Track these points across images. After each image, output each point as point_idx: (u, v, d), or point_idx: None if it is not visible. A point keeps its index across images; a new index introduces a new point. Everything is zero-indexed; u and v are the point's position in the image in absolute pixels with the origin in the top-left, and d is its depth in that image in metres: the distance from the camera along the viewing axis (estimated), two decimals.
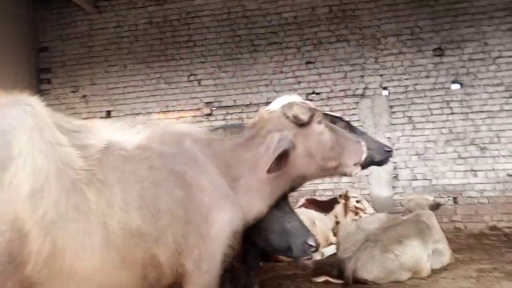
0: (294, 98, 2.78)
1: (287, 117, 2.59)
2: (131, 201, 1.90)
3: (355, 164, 2.79)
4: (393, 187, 8.24)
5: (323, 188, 8.33)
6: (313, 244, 2.89)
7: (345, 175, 2.93)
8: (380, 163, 4.11)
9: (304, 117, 2.59)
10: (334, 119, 3.89)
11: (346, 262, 4.40)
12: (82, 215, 1.75)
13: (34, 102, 1.88)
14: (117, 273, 1.83)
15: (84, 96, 9.48)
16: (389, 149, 4.05)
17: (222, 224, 2.24)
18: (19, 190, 1.63)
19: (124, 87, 9.31)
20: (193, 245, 2.12)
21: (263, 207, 2.56)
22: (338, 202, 7.17)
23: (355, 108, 8.40)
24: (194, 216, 2.13)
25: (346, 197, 7.24)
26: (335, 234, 6.52)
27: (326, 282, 4.64)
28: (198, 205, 2.16)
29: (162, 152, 2.16)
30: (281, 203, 2.97)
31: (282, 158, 2.46)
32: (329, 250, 6.33)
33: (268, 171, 2.42)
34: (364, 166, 3.98)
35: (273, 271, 5.42)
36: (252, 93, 8.72)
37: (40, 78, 9.48)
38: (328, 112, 4.22)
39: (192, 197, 2.15)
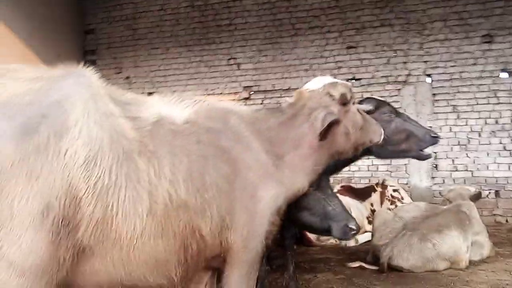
0: (330, 78, 2.89)
1: (330, 96, 2.65)
2: (178, 173, 1.96)
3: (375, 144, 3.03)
4: (433, 177, 8.06)
5: (359, 176, 8.26)
6: (354, 227, 2.95)
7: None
8: (423, 156, 4.01)
9: (349, 96, 2.68)
10: (379, 103, 3.83)
11: (382, 249, 4.39)
12: (132, 184, 1.82)
13: (89, 74, 1.93)
14: (156, 241, 1.90)
15: (128, 77, 9.78)
16: (435, 135, 3.94)
17: (268, 201, 2.30)
18: (74, 159, 1.69)
19: (166, 69, 9.52)
20: (240, 222, 2.18)
21: (305, 184, 2.63)
22: (375, 190, 7.10)
23: (396, 95, 8.22)
24: (240, 193, 2.19)
25: (383, 185, 7.16)
26: (370, 222, 6.48)
27: (361, 267, 4.65)
28: (244, 182, 2.21)
29: (209, 128, 2.22)
30: (324, 186, 3.06)
31: (327, 132, 2.55)
32: (363, 238, 6.31)
33: (321, 138, 2.52)
34: (408, 153, 3.92)
35: (306, 254, 5.49)
36: (291, 77, 8.70)
37: (85, 59, 9.83)
38: (374, 97, 4.16)
39: (238, 174, 2.20)
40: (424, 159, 4.21)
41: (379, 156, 4.07)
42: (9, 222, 1.59)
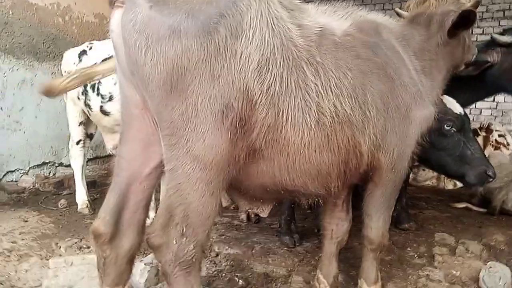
0: None
1: (460, 3, 2.56)
2: (343, 88, 1.95)
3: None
4: None
5: None
6: (491, 175, 2.86)
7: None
8: None
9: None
10: None
11: (495, 192, 4.22)
12: (301, 93, 1.82)
13: None
14: (322, 153, 1.94)
15: None
16: None
17: (419, 122, 2.27)
18: (248, 62, 1.69)
19: None
20: (392, 143, 2.18)
21: (439, 96, 2.59)
22: (477, 135, 6.70)
23: None
24: (393, 113, 2.16)
25: (488, 129, 6.74)
26: None
27: (467, 208, 4.54)
28: (398, 101, 2.17)
29: (364, 42, 2.14)
30: (466, 129, 2.95)
31: (458, 28, 2.50)
32: None
33: (451, 34, 2.49)
34: None
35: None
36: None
37: None
38: None
39: (393, 93, 2.16)
40: None
41: None
42: (194, 119, 1.67)
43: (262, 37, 1.73)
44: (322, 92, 1.88)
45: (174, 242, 1.80)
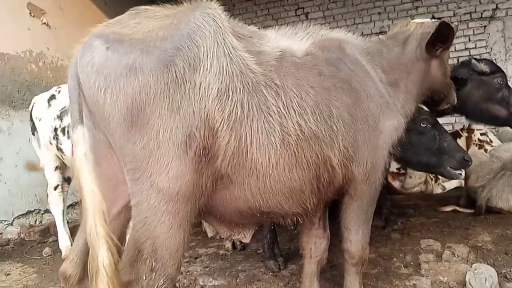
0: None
1: None
2: (306, 105, 1.99)
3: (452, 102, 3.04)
4: None
5: (442, 122, 7.82)
6: (468, 159, 3.02)
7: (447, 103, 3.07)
8: None
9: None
10: (496, 69, 3.75)
11: (479, 191, 4.21)
12: (263, 115, 1.87)
13: (214, 6, 1.91)
14: (292, 171, 1.97)
15: None
16: None
17: (389, 132, 2.31)
18: (208, 91, 1.75)
19: None
20: (364, 155, 2.21)
21: (414, 109, 2.65)
22: (460, 136, 6.73)
23: (482, 33, 7.55)
24: (362, 125, 2.20)
25: (469, 129, 6.76)
26: None
27: (454, 211, 4.52)
28: (365, 113, 2.22)
29: (327, 59, 2.21)
30: (436, 123, 3.12)
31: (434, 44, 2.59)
32: (450, 184, 6.09)
33: (427, 46, 2.56)
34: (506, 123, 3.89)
35: (393, 201, 5.39)
36: (363, 22, 8.28)
37: None
38: (491, 60, 4.04)
39: (360, 105, 2.20)
40: None
41: (474, 119, 4.07)
42: (156, 151, 1.71)
43: (220, 66, 1.80)
44: (285, 113, 1.93)
45: (144, 278, 1.79)
